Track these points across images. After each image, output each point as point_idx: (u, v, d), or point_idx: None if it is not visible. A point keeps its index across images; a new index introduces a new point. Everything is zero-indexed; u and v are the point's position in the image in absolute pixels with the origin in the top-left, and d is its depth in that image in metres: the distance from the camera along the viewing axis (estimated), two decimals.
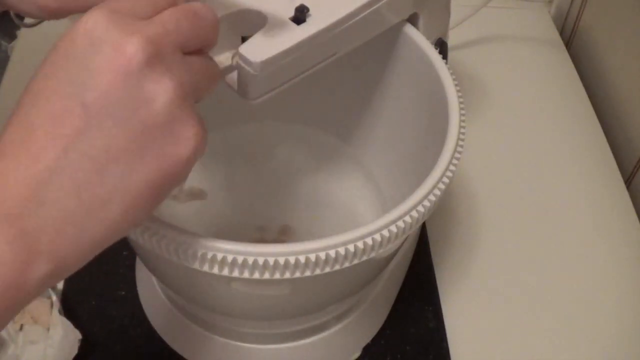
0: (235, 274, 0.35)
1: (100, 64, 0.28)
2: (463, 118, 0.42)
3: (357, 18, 0.42)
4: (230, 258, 0.34)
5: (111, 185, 0.28)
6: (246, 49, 0.38)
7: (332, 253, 0.34)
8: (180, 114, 0.29)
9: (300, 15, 0.40)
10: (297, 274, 0.35)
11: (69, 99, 0.28)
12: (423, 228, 0.59)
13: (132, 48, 0.28)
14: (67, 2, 0.36)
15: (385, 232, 0.36)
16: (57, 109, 0.28)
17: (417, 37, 0.47)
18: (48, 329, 0.48)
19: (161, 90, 0.29)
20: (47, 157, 0.27)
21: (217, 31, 0.33)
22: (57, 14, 0.37)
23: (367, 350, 0.52)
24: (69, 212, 0.27)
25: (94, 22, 0.29)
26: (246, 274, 0.35)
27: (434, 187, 0.38)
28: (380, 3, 0.43)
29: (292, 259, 0.34)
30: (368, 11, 0.42)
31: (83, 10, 0.37)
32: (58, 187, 0.27)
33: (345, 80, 0.54)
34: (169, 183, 0.30)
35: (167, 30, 0.30)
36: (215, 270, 0.35)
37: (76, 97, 0.28)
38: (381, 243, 0.36)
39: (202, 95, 0.32)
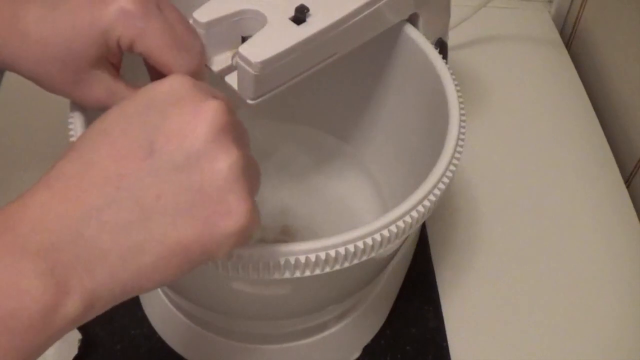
0: (236, 273, 0.35)
1: (179, 116, 0.28)
2: (463, 118, 0.42)
3: (357, 18, 0.42)
4: (230, 258, 0.34)
5: (150, 235, 0.27)
6: (246, 49, 0.38)
7: (332, 253, 0.34)
8: (238, 187, 0.29)
9: (300, 15, 0.40)
10: (297, 274, 0.35)
11: (137, 141, 0.28)
12: (423, 228, 0.59)
13: (215, 110, 0.29)
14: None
15: (385, 232, 0.36)
16: (121, 148, 0.28)
17: (417, 37, 0.47)
18: None
19: (227, 157, 0.28)
20: (97, 194, 0.27)
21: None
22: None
23: (367, 350, 0.52)
24: (102, 253, 0.27)
25: (179, 82, 0.30)
26: (246, 274, 0.35)
27: (434, 187, 0.38)
28: (380, 3, 0.43)
29: (292, 259, 0.34)
30: (368, 11, 0.42)
31: None
32: (99, 225, 0.27)
33: (345, 81, 0.54)
34: (204, 251, 0.29)
35: (237, 118, 0.31)
36: (216, 270, 0.35)
37: (145, 140, 0.28)
38: (381, 243, 0.36)
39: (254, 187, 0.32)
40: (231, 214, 0.29)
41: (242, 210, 0.29)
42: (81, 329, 0.49)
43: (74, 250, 0.26)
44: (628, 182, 0.67)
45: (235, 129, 0.30)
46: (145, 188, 0.27)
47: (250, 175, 0.30)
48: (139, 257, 0.27)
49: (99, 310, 0.28)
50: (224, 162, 0.28)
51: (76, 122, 0.39)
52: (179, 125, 0.28)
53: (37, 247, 0.26)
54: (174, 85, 0.30)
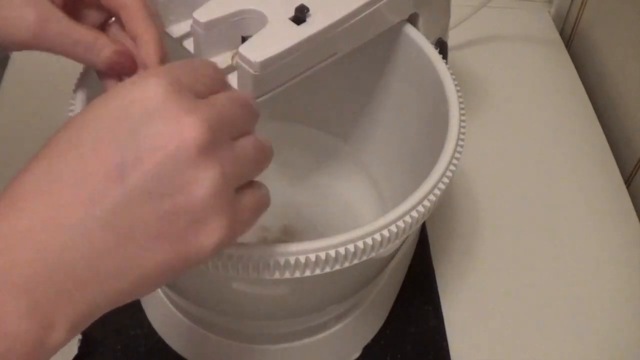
0: (236, 273, 0.35)
1: (152, 137, 0.26)
2: (463, 118, 0.42)
3: (357, 18, 0.42)
4: (230, 258, 0.34)
5: (127, 261, 0.27)
6: (246, 49, 0.38)
7: (332, 253, 0.34)
8: (215, 205, 0.27)
9: (300, 15, 0.40)
10: (297, 274, 0.35)
11: (107, 162, 0.26)
12: (423, 228, 0.59)
13: (190, 130, 0.27)
14: (45, 43, 0.36)
15: (385, 232, 0.36)
16: (91, 168, 0.26)
17: (417, 37, 0.47)
18: None
19: (204, 179, 0.27)
20: (68, 218, 0.26)
21: (257, 120, 0.32)
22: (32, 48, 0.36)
23: (367, 350, 0.52)
24: (81, 282, 0.26)
25: (153, 91, 0.27)
26: (246, 274, 0.35)
27: (434, 187, 0.38)
28: (380, 3, 0.43)
29: (292, 259, 0.34)
30: (368, 11, 0.42)
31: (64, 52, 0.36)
32: (74, 254, 0.26)
33: (345, 80, 0.54)
34: (183, 267, 0.28)
35: (223, 115, 0.29)
36: (216, 269, 0.35)
37: (116, 162, 0.26)
38: (381, 243, 0.36)
39: (249, 179, 0.31)
40: (207, 231, 0.28)
41: (216, 227, 0.28)
42: None
43: (52, 282, 0.25)
44: (628, 182, 0.67)
45: (215, 145, 0.28)
46: (117, 213, 0.26)
47: (239, 175, 0.29)
48: (117, 282, 0.27)
49: (83, 328, 0.27)
50: (200, 188, 0.27)
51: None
52: (152, 145, 0.26)
53: (16, 282, 0.25)
54: (147, 92, 0.27)
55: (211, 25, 0.40)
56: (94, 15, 0.39)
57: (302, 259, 0.34)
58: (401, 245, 0.48)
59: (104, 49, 0.37)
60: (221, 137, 0.28)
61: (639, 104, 0.67)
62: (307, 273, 0.35)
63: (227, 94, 0.30)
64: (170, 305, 0.50)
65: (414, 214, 0.37)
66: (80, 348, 0.48)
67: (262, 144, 0.31)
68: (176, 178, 0.27)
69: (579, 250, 0.60)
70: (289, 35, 0.39)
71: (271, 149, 0.32)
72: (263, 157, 0.32)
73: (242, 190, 0.30)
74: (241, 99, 0.31)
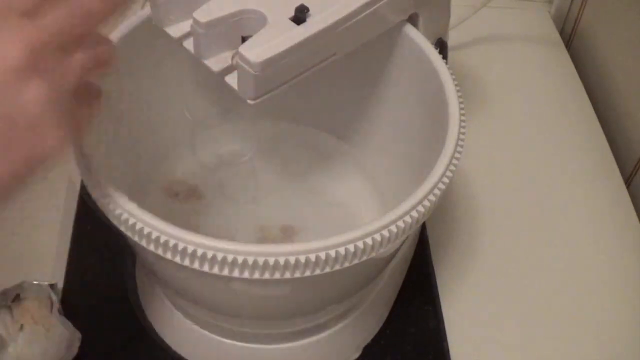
0: (235, 274, 0.35)
1: None
2: (463, 118, 0.42)
3: (357, 18, 0.42)
4: (230, 258, 0.34)
5: None
6: (246, 49, 0.38)
7: (332, 253, 0.34)
8: (45, 119, 0.29)
9: (300, 15, 0.40)
10: (297, 274, 0.35)
11: None
12: (423, 228, 0.59)
13: (11, 55, 0.28)
14: None
15: (385, 232, 0.36)
16: None
17: (417, 37, 0.47)
18: (48, 329, 0.48)
19: (32, 97, 0.29)
20: None
21: (102, 20, 0.33)
22: None
23: (367, 350, 0.52)
24: None
25: None
26: (246, 274, 0.35)
27: (434, 187, 0.38)
28: (380, 3, 0.43)
29: (292, 259, 0.34)
30: (368, 11, 0.42)
31: None
32: None
33: (345, 81, 0.54)
34: (30, 174, 0.30)
35: (50, 33, 0.30)
36: (215, 270, 0.35)
37: None
38: (381, 243, 0.36)
39: (86, 79, 0.32)
40: (48, 141, 0.29)
41: (55, 136, 0.29)
42: (81, 328, 0.49)
43: None
44: (628, 182, 0.67)
45: (42, 63, 0.29)
46: None
47: (70, 85, 0.31)
48: None
49: None
50: (28, 106, 0.28)
51: None
52: None
53: None
54: None
55: (211, 25, 0.40)
56: None
57: (302, 259, 0.34)
58: (401, 245, 0.48)
59: None
60: (47, 54, 0.29)
61: (639, 104, 0.67)
62: (307, 273, 0.35)
63: (59, 7, 0.31)
64: (171, 305, 0.50)
65: (414, 214, 0.37)
66: (80, 348, 0.48)
67: (101, 50, 0.33)
68: (4, 99, 0.28)
69: (579, 250, 0.60)
70: (289, 36, 0.39)
71: (113, 49, 0.34)
72: (104, 57, 0.33)
73: (78, 94, 0.32)
74: (77, 10, 0.31)
